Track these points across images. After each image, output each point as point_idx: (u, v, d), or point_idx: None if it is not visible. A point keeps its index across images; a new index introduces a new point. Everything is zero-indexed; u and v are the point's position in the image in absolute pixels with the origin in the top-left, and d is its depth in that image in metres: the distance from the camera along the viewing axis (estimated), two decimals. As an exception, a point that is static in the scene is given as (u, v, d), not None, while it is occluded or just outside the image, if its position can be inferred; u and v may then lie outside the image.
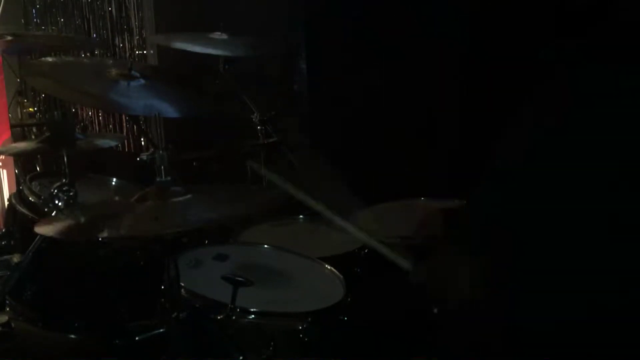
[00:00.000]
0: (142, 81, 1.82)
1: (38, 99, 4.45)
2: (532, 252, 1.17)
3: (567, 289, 1.13)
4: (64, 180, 2.05)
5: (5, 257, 2.02)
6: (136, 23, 3.99)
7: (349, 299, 1.88)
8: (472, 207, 1.36)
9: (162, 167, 1.56)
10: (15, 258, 1.97)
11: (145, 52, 3.99)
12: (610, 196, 1.11)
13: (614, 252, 1.11)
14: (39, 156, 2.94)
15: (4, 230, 2.36)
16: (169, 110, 1.83)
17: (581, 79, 1.17)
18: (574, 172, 1.13)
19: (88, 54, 4.05)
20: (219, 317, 1.69)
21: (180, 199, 1.54)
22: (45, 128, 3.60)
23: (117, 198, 2.40)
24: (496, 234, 1.22)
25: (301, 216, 2.54)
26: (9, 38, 2.02)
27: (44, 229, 1.59)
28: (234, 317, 1.69)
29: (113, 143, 2.67)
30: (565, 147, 1.15)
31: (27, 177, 2.47)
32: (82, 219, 1.62)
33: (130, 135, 4.09)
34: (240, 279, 1.66)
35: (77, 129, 2.47)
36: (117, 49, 4.09)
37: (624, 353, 1.12)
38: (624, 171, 1.10)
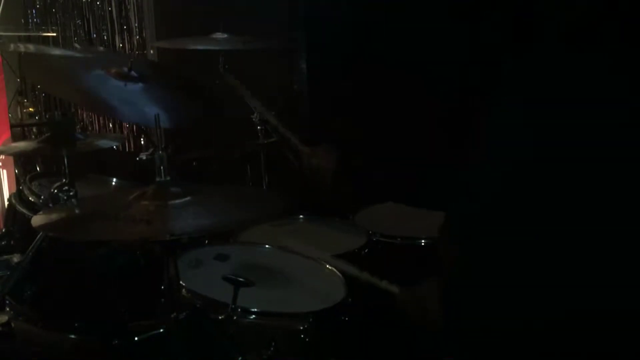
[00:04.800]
0: (141, 84, 1.80)
1: (38, 99, 4.45)
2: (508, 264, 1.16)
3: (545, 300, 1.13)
4: (64, 180, 2.04)
5: (5, 257, 2.01)
6: (136, 23, 3.99)
7: (349, 299, 1.87)
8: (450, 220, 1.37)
9: (162, 168, 1.55)
10: (15, 258, 1.96)
11: (145, 52, 3.99)
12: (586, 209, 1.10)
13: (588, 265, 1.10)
14: (39, 156, 2.93)
15: (4, 230, 2.36)
16: (166, 119, 1.81)
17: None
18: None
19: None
20: (219, 317, 1.69)
21: (177, 201, 1.52)
22: (45, 128, 3.60)
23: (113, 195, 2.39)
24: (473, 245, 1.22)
25: (301, 216, 2.54)
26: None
27: (38, 220, 1.58)
28: (234, 318, 1.69)
29: (113, 143, 2.67)
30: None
31: (27, 177, 2.46)
32: (77, 212, 1.61)
33: (130, 135, 4.09)
34: (241, 279, 1.66)
35: (77, 129, 2.47)
36: (117, 49, 4.08)
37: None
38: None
